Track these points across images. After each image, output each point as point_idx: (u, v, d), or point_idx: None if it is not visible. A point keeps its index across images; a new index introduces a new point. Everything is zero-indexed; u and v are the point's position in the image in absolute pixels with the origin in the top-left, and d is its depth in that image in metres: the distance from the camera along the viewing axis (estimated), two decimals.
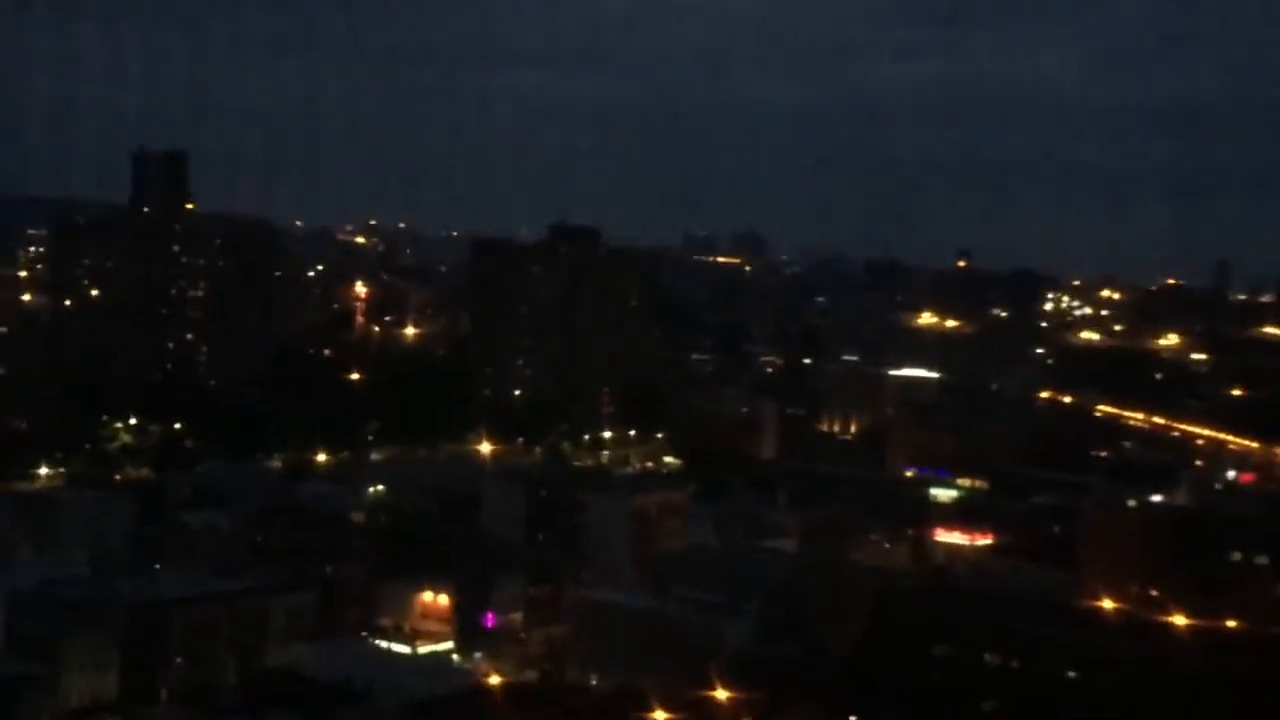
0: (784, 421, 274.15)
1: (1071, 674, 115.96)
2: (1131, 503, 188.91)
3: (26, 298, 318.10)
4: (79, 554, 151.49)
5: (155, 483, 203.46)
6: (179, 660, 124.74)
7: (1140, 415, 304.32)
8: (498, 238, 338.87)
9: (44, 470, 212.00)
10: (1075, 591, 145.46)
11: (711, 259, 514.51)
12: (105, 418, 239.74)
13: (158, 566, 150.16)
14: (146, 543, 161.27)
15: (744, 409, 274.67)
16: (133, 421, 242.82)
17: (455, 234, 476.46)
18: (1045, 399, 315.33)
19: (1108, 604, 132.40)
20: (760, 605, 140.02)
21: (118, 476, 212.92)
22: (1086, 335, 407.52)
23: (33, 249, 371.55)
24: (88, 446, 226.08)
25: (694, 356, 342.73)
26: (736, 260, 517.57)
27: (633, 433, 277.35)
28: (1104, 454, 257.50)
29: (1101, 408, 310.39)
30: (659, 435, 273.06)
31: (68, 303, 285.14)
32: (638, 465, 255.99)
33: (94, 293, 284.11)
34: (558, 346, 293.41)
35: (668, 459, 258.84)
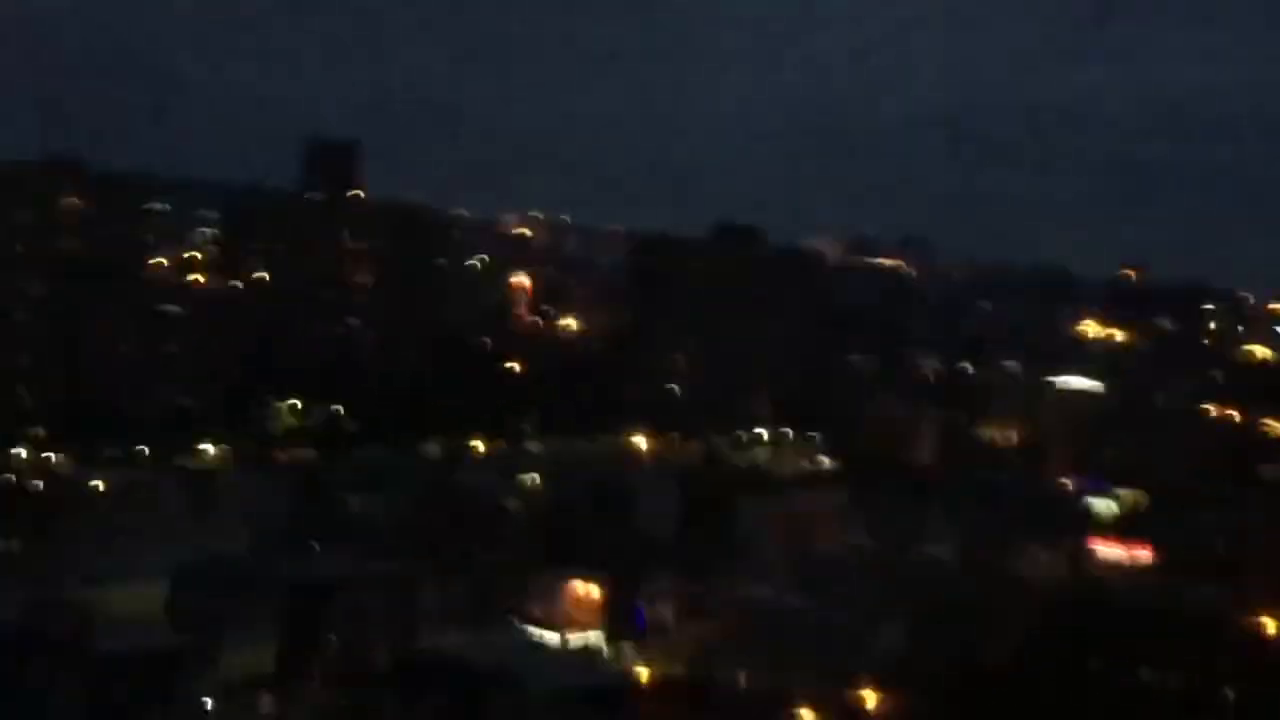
0: (943, 427, 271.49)
1: (1228, 693, 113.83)
2: None
3: (198, 279, 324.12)
4: (240, 532, 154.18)
5: (316, 464, 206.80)
6: (334, 640, 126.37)
7: None
8: (659, 233, 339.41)
9: (209, 447, 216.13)
10: (1236, 610, 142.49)
11: (876, 261, 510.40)
12: (270, 399, 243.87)
13: (316, 547, 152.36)
14: (306, 523, 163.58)
15: (903, 413, 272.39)
16: (296, 404, 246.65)
17: (619, 228, 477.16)
18: (1211, 413, 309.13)
19: (1270, 623, 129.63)
20: (914, 611, 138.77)
21: (280, 456, 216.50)
22: (1256, 349, 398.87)
23: (204, 230, 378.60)
24: (252, 427, 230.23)
25: (854, 358, 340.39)
26: (900, 263, 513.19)
27: (790, 433, 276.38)
28: (1271, 471, 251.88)
29: (1269, 423, 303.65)
30: (816, 436, 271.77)
31: (237, 285, 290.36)
32: (794, 465, 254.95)
33: (262, 276, 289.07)
34: (717, 344, 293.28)
35: (824, 460, 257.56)
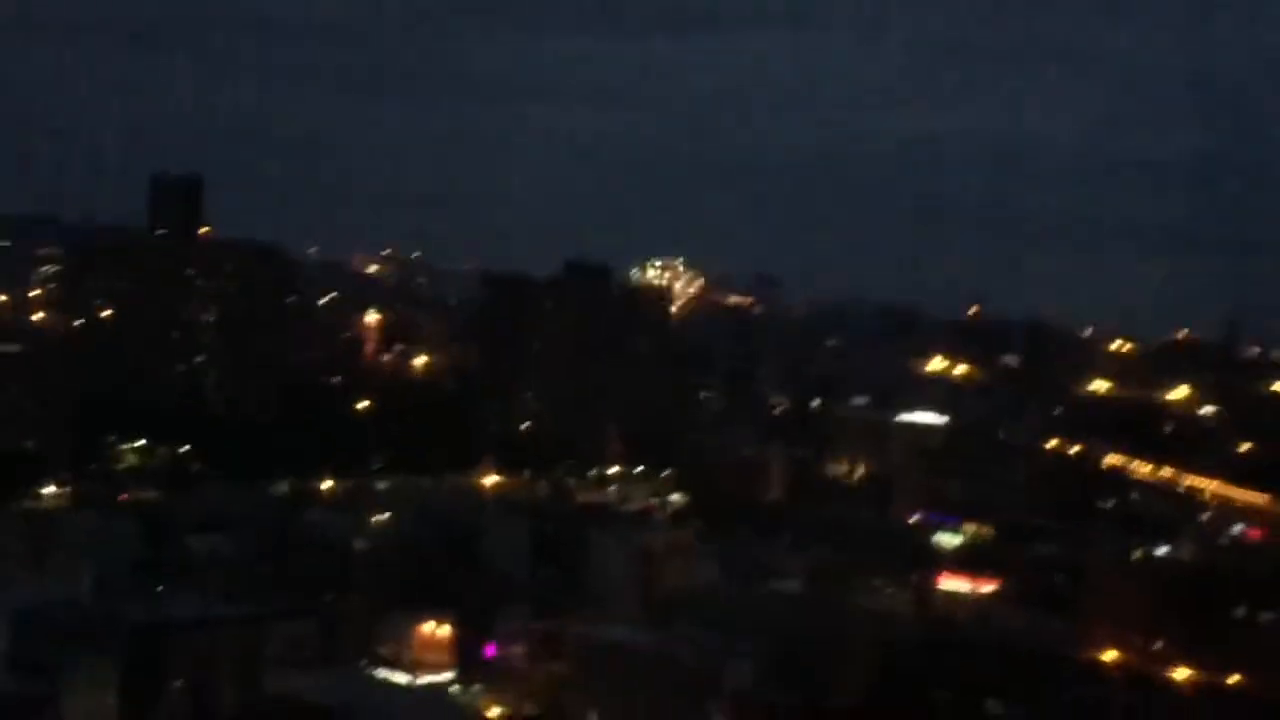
0: (791, 463, 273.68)
1: None
2: (1137, 554, 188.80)
3: (37, 317, 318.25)
4: (82, 575, 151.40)
5: (160, 505, 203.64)
6: (179, 684, 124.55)
7: (1148, 467, 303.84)
8: (510, 272, 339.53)
9: (50, 490, 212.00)
10: (1078, 642, 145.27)
11: (725, 299, 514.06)
12: (113, 439, 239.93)
13: (161, 589, 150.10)
14: (150, 565, 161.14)
15: (751, 450, 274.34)
16: (141, 444, 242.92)
17: (468, 267, 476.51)
18: (1053, 448, 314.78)
19: (1110, 655, 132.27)
20: (762, 647, 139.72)
21: (124, 498, 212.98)
22: (1096, 386, 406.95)
23: (45, 268, 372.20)
24: (94, 467, 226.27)
25: (702, 395, 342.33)
26: (749, 301, 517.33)
27: (639, 470, 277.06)
28: (1110, 504, 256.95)
29: (1109, 458, 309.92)
30: (665, 473, 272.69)
31: (79, 323, 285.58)
32: (643, 502, 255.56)
33: (106, 314, 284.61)
34: (566, 382, 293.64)
35: (673, 497, 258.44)
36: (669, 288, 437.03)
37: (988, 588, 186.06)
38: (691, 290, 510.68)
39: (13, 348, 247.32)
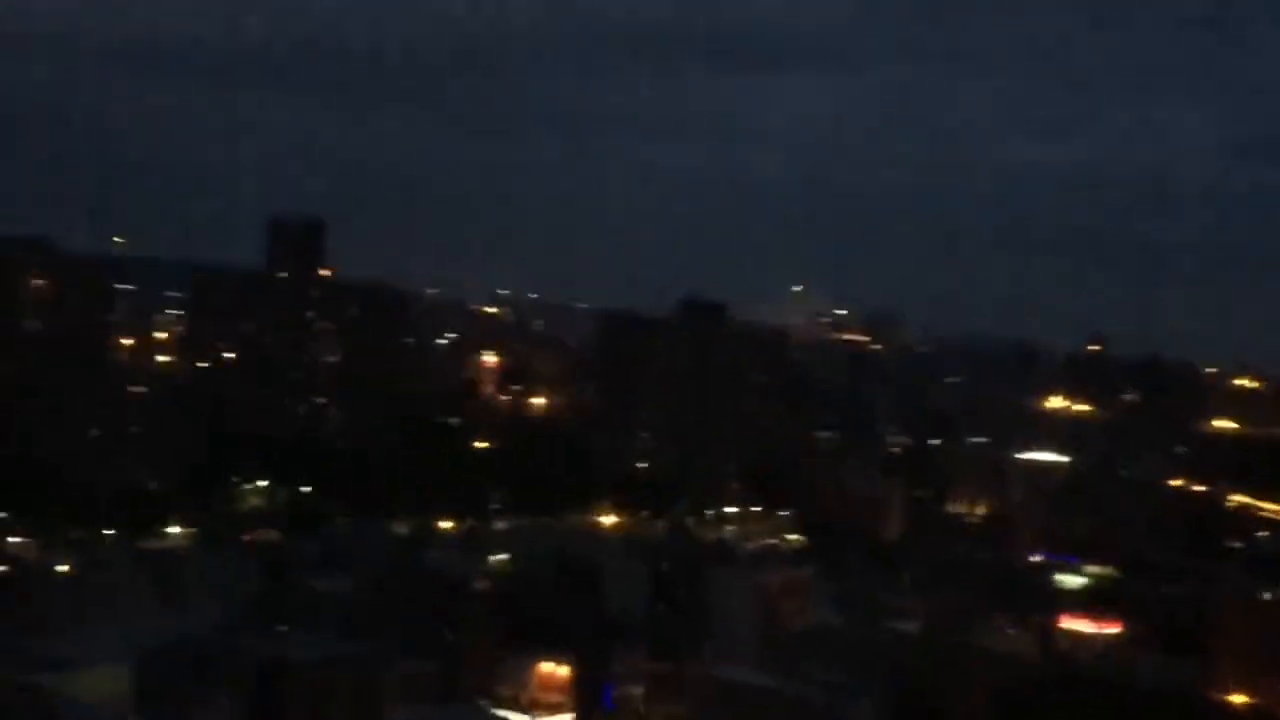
0: (910, 502, 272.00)
1: None
2: (1266, 595, 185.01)
3: (162, 359, 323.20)
4: (206, 613, 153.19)
5: (282, 544, 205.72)
6: None
7: (1276, 506, 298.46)
8: (626, 311, 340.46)
9: (175, 529, 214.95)
10: (1205, 684, 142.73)
11: (842, 337, 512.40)
12: (236, 478, 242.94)
13: (283, 627, 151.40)
14: (272, 603, 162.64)
15: (870, 489, 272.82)
16: (262, 483, 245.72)
17: (585, 306, 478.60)
18: (1176, 486, 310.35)
19: (1238, 698, 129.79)
20: (882, 688, 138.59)
21: (246, 536, 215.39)
22: (1220, 423, 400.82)
23: (170, 311, 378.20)
24: (218, 506, 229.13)
25: (821, 434, 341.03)
26: (866, 338, 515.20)
27: (757, 509, 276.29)
28: (1237, 544, 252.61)
29: (1235, 497, 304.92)
30: (784, 512, 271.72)
31: (203, 364, 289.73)
32: (761, 541, 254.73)
33: (228, 355, 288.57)
34: (684, 421, 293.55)
35: (792, 536, 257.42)
36: (785, 325, 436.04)
37: (1111, 629, 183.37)
38: (808, 327, 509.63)
39: (139, 389, 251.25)
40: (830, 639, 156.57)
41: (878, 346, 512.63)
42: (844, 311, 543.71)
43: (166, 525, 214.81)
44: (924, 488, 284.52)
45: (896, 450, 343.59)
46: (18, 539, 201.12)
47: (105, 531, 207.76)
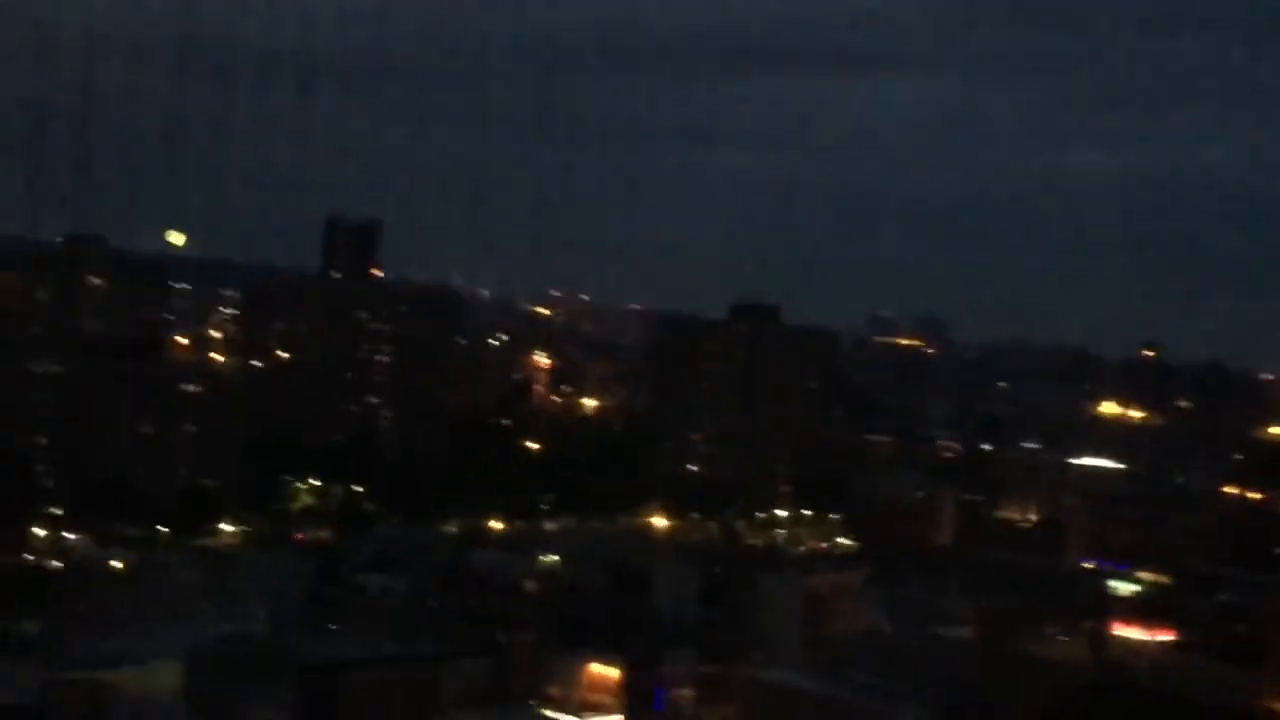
0: (961, 508, 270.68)
1: None
2: None
3: (216, 358, 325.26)
4: (257, 612, 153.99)
5: (334, 544, 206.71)
6: None
7: None
8: (678, 313, 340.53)
9: (228, 527, 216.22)
10: (1261, 693, 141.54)
11: (893, 341, 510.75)
12: (289, 478, 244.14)
13: (334, 627, 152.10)
14: (323, 603, 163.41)
15: (921, 493, 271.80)
16: (315, 483, 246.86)
17: (637, 308, 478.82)
18: (1232, 494, 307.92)
19: None
20: (931, 694, 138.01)
21: (298, 536, 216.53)
22: (1277, 430, 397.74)
23: (224, 310, 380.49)
24: (270, 506, 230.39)
25: (871, 438, 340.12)
26: (918, 343, 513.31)
27: (807, 513, 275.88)
28: None
29: None
30: (834, 516, 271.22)
31: (257, 364, 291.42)
32: (812, 545, 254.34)
33: (282, 355, 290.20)
34: (734, 424, 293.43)
35: (842, 540, 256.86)
36: (837, 328, 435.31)
37: (1165, 636, 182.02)
38: (860, 330, 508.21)
39: (194, 388, 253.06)
40: (880, 644, 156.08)
41: (930, 351, 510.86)
42: (896, 316, 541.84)
43: (220, 524, 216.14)
44: (975, 493, 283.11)
45: (948, 455, 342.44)
46: (74, 535, 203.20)
47: (159, 529, 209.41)
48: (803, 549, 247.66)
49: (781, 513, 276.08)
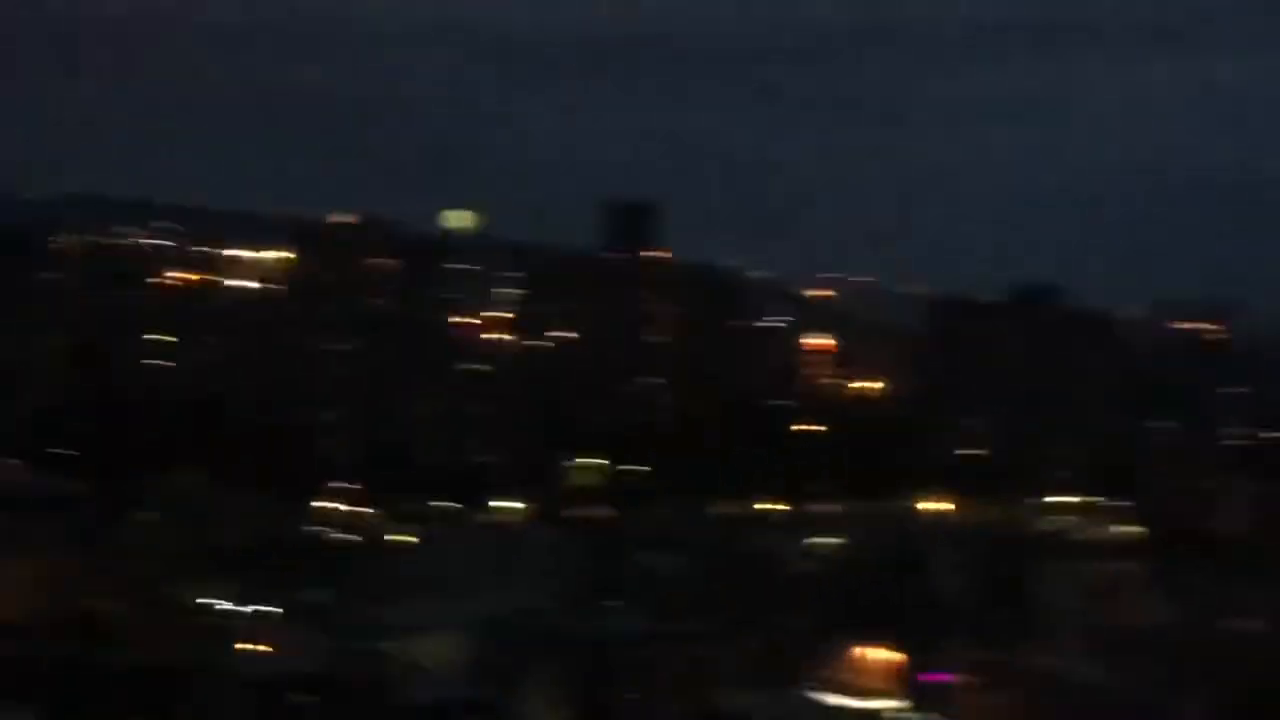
0: (1254, 497, 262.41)
1: None
2: None
3: (498, 337, 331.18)
4: (540, 587, 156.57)
5: (612, 522, 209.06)
6: (631, 696, 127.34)
7: None
8: (958, 296, 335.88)
9: (509, 504, 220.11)
10: None
11: (1182, 325, 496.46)
12: (567, 456, 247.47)
13: (612, 603, 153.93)
14: (602, 580, 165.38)
15: (1210, 482, 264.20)
16: (595, 461, 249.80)
17: (918, 291, 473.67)
18: None
19: None
20: (1218, 689, 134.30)
21: (577, 513, 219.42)
22: None
23: (504, 290, 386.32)
24: (550, 483, 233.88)
25: (1159, 424, 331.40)
26: (1208, 326, 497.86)
27: (1092, 499, 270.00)
28: None
29: None
30: (1119, 504, 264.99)
31: (536, 343, 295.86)
32: (1096, 533, 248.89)
33: (561, 335, 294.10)
34: (1016, 408, 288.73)
35: (1127, 528, 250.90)
36: (1123, 311, 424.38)
37: None
38: (1148, 314, 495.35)
39: (475, 367, 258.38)
40: (1165, 635, 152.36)
41: (1222, 336, 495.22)
42: (1186, 299, 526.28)
43: (501, 500, 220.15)
44: (1270, 482, 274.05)
45: (1241, 442, 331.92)
46: (362, 509, 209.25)
47: (445, 504, 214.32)
48: (1086, 536, 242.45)
49: (1064, 499, 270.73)
